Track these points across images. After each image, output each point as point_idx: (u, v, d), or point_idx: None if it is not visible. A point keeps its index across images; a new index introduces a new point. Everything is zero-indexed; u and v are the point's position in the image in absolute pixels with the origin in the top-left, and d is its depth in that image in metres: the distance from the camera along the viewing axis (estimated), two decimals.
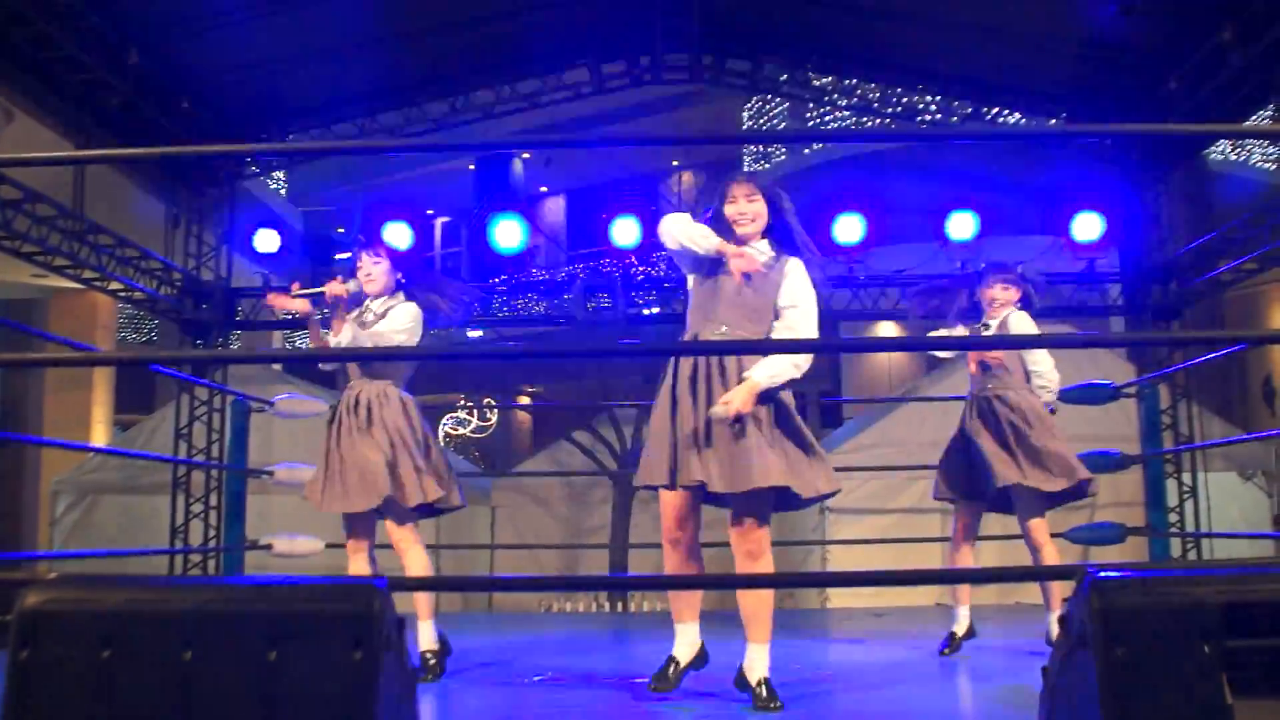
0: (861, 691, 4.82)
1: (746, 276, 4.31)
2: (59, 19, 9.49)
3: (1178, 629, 2.12)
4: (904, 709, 4.43)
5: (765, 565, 4.36)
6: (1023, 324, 6.00)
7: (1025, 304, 6.15)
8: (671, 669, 4.51)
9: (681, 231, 4.41)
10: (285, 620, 2.15)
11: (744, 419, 4.19)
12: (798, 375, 4.33)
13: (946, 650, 5.99)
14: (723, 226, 4.47)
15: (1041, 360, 6.07)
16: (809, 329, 4.41)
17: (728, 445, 4.21)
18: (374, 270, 5.44)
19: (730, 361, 4.35)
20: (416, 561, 5.28)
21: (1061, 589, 5.93)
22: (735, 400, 4.16)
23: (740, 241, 4.42)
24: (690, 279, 4.57)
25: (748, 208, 4.45)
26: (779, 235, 4.53)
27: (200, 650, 2.11)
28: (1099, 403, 7.64)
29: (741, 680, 4.35)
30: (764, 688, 4.23)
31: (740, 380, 4.26)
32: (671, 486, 4.34)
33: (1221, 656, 2.10)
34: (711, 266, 4.43)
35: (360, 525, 5.31)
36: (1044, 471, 5.72)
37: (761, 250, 4.44)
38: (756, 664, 4.30)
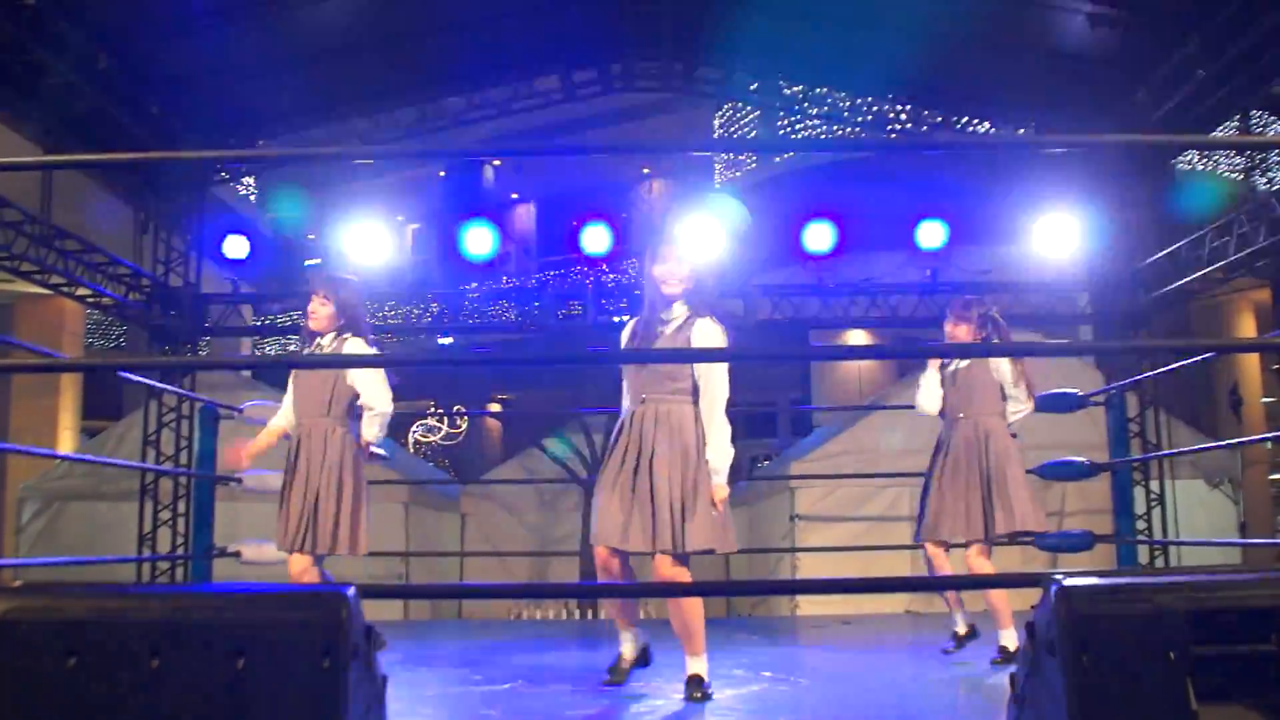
0: (830, 697, 4.83)
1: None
2: (28, 23, 9.42)
3: (1144, 636, 2.13)
4: (872, 714, 4.44)
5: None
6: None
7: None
8: (621, 664, 4.95)
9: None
10: (253, 628, 2.14)
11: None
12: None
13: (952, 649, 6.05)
14: (650, 282, 4.86)
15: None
16: (724, 386, 4.75)
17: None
18: (320, 311, 5.60)
19: (663, 430, 4.66)
20: None
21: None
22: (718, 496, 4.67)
23: (665, 300, 4.82)
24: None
25: (677, 269, 4.79)
26: (695, 297, 4.84)
27: (168, 659, 2.10)
28: (1067, 410, 7.67)
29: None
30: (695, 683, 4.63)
31: (679, 437, 4.64)
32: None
33: (1187, 663, 2.11)
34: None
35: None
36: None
37: (677, 313, 4.82)
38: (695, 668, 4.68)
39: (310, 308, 5.60)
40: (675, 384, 4.69)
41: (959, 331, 6.14)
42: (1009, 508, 5.84)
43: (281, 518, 5.43)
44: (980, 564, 5.98)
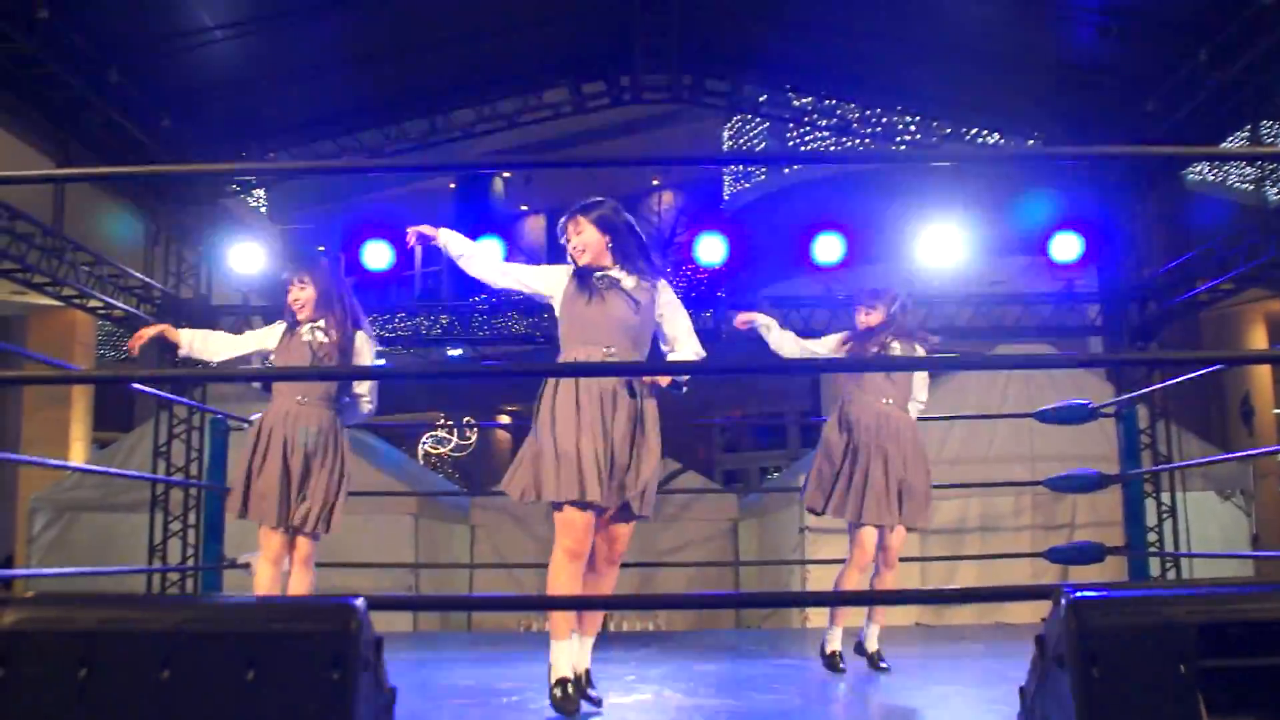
0: (838, 710, 4.82)
1: (634, 302, 4.54)
2: (39, 37, 9.46)
3: (1154, 649, 2.12)
4: None
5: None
6: None
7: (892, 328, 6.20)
8: (571, 689, 4.37)
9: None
10: (263, 640, 2.14)
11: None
12: None
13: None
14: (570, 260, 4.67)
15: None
16: (696, 343, 4.71)
17: (639, 468, 4.46)
18: (301, 296, 5.47)
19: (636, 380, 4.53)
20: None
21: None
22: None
23: (585, 271, 4.60)
24: (559, 303, 4.70)
25: (577, 240, 4.61)
26: (628, 258, 4.62)
27: (178, 670, 2.10)
28: (1078, 422, 7.65)
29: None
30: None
31: (645, 393, 4.52)
32: (599, 504, 4.45)
33: (1198, 676, 2.11)
34: (591, 291, 4.56)
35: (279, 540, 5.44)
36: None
37: (624, 277, 4.57)
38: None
39: (291, 296, 5.46)
40: (638, 346, 4.61)
41: (872, 318, 6.14)
42: (917, 502, 5.91)
43: (263, 492, 5.33)
44: (898, 547, 6.03)
